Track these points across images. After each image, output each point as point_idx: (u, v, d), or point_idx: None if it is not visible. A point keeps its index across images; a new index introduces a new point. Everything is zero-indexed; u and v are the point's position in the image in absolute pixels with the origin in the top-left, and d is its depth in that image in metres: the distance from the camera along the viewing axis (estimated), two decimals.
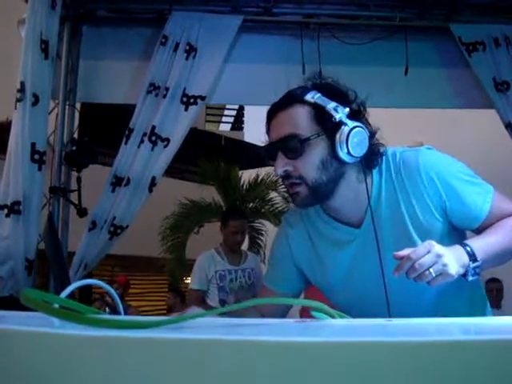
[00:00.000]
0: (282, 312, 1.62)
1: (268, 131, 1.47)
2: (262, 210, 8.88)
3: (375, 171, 1.49)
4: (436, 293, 1.47)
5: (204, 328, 0.64)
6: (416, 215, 1.44)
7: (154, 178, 3.82)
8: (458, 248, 1.32)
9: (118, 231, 3.74)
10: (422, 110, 4.83)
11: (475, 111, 4.66)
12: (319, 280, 1.62)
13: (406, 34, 4.12)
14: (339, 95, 1.43)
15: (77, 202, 3.78)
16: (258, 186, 8.93)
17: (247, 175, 9.35)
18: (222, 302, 4.08)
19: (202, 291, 4.17)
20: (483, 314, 1.63)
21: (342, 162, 1.40)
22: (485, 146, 7.17)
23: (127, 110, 3.99)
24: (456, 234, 1.49)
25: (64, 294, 0.80)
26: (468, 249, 1.32)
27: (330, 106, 1.38)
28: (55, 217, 3.90)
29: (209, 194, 9.07)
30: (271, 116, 1.47)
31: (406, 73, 4.12)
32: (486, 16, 4.16)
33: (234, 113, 16.29)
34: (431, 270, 1.22)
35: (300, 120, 1.40)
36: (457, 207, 1.44)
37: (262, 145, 1.50)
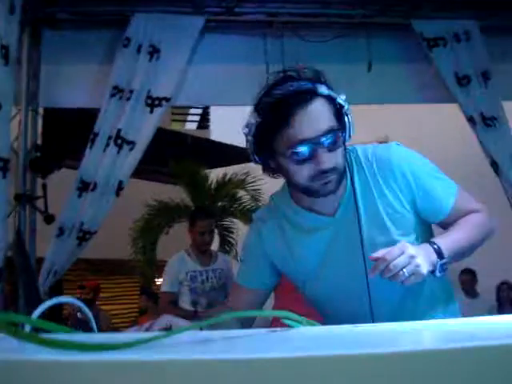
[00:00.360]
0: (255, 308, 1.64)
1: (291, 127, 1.40)
2: (231, 209, 8.89)
3: (346, 164, 1.53)
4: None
5: (174, 346, 0.64)
6: (389, 205, 1.51)
7: (121, 182, 3.80)
8: (426, 247, 1.39)
9: (87, 236, 3.70)
10: (385, 105, 4.88)
11: (437, 105, 4.73)
12: (293, 272, 1.65)
13: (368, 30, 4.16)
14: (330, 84, 1.47)
15: (43, 209, 3.73)
16: (227, 184, 8.93)
17: (215, 174, 9.35)
18: (194, 304, 4.08)
19: (173, 293, 4.16)
20: (450, 300, 1.71)
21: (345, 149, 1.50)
22: (447, 140, 7.28)
23: (93, 112, 3.95)
24: (423, 225, 1.57)
25: (36, 313, 0.79)
26: (435, 247, 1.39)
27: (340, 96, 1.45)
28: (22, 224, 3.84)
29: (178, 194, 9.04)
30: (292, 113, 1.39)
31: (369, 69, 4.16)
32: (447, 11, 4.22)
33: (199, 111, 16.23)
34: (404, 270, 1.28)
35: (328, 113, 1.43)
36: (424, 201, 1.51)
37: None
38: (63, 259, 3.68)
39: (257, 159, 1.52)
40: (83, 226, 3.69)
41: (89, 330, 1.02)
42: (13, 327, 0.55)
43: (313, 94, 1.41)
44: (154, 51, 3.94)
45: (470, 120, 4.11)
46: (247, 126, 1.49)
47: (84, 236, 3.69)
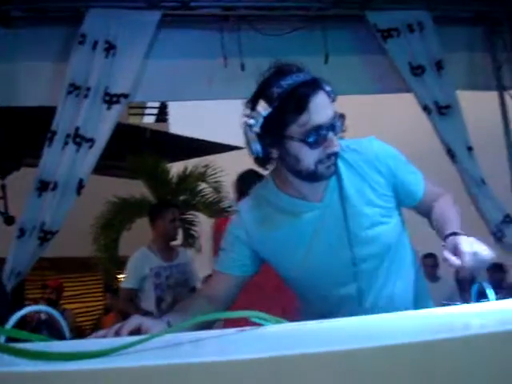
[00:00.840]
0: (234, 295, 1.71)
1: (307, 113, 1.49)
2: (193, 202, 8.87)
3: None
4: (386, 267, 1.70)
5: (148, 351, 0.65)
6: (374, 188, 1.64)
7: (81, 180, 3.76)
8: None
9: (48, 236, 3.67)
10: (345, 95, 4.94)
11: (396, 94, 4.80)
12: (277, 259, 1.72)
13: (323, 23, 4.20)
14: None
15: (3, 210, 3.67)
16: (187, 178, 8.90)
17: (176, 168, 9.30)
18: (159, 300, 4.05)
19: (134, 290, 4.11)
20: (422, 285, 1.86)
21: None
22: (405, 128, 7.40)
23: (51, 109, 3.90)
24: (399, 208, 1.75)
25: (10, 323, 0.80)
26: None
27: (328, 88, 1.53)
28: None
29: (138, 189, 8.97)
30: (309, 99, 1.48)
31: (325, 61, 4.21)
32: (400, 3, 4.30)
33: (157, 104, 16.08)
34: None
35: (330, 102, 1.53)
36: (402, 188, 1.69)
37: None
38: (25, 260, 3.64)
39: (258, 150, 1.56)
40: (44, 226, 3.65)
41: (53, 331, 1.03)
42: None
43: (319, 86, 1.52)
44: (110, 47, 3.91)
45: (425, 109, 4.21)
46: (253, 117, 1.54)
47: (45, 236, 3.66)
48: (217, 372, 0.51)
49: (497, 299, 1.30)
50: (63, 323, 0.97)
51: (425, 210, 1.74)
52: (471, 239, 1.40)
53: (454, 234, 1.48)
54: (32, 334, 0.74)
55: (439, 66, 4.23)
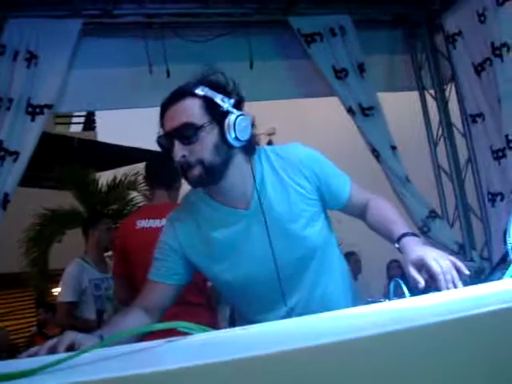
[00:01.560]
0: (169, 304, 1.73)
1: (162, 124, 1.61)
2: (124, 211, 8.75)
3: (256, 160, 1.70)
4: (315, 269, 1.75)
5: (79, 366, 0.66)
6: (300, 194, 1.69)
7: (6, 195, 3.66)
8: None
9: None
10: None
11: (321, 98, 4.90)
12: (208, 266, 1.74)
13: (247, 29, 4.24)
14: (224, 88, 1.60)
15: None
16: (117, 187, 8.78)
17: (105, 177, 9.17)
18: (100, 312, 3.97)
19: (73, 303, 4.00)
20: (351, 284, 1.94)
21: (230, 147, 1.59)
22: (332, 129, 7.54)
23: None
24: (325, 211, 1.81)
25: None
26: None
27: (218, 97, 1.56)
28: None
29: (66, 200, 8.78)
30: (164, 110, 1.60)
31: (251, 66, 4.25)
32: (321, 8, 4.39)
33: (84, 113, 15.79)
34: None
35: (193, 110, 1.56)
36: (327, 191, 1.73)
37: (158, 135, 1.63)
38: None
39: None
40: None
41: None
42: None
43: (186, 94, 1.58)
44: (32, 57, 3.81)
45: (350, 111, 4.32)
46: None
47: None
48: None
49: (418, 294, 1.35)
50: None
51: (356, 212, 1.81)
52: (434, 253, 1.46)
53: (405, 234, 1.58)
54: None
55: (361, 68, 4.35)
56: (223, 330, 1.01)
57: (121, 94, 4.21)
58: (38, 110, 3.79)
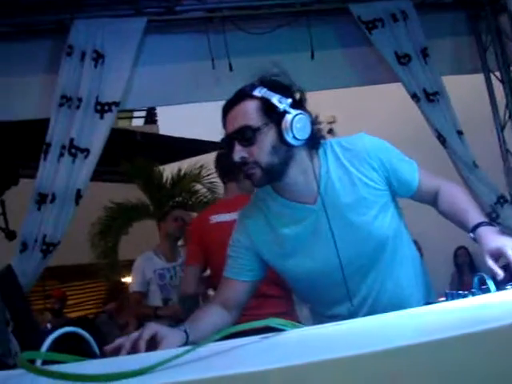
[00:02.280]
0: (245, 300, 1.78)
1: (224, 125, 1.65)
2: (190, 203, 8.89)
3: (321, 154, 1.71)
4: (386, 261, 1.75)
5: (182, 365, 0.70)
6: (367, 184, 1.68)
7: (79, 191, 3.80)
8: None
9: (51, 248, 3.70)
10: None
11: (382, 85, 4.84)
12: (279, 261, 1.77)
13: (308, 18, 4.23)
14: (283, 88, 1.62)
15: (3, 226, 3.70)
16: (182, 179, 8.91)
17: (169, 169, 9.31)
18: (166, 301, 4.11)
19: (142, 293, 4.17)
20: (423, 274, 1.89)
21: (290, 146, 1.61)
22: (392, 115, 7.43)
23: (45, 120, 3.93)
24: (395, 201, 1.80)
25: (44, 346, 0.84)
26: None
27: (275, 98, 1.58)
28: None
29: (132, 192, 8.97)
30: (226, 112, 1.64)
31: (312, 57, 4.24)
32: None
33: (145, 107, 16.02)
34: None
35: (251, 113, 1.60)
36: (397, 179, 1.72)
37: (221, 137, 1.68)
38: (30, 274, 3.67)
39: None
40: (46, 239, 3.68)
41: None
42: (35, 365, 0.60)
43: (244, 96, 1.62)
44: (99, 57, 3.93)
45: (414, 97, 4.25)
46: None
47: (48, 248, 3.69)
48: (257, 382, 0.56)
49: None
50: (93, 343, 1.01)
51: (427, 199, 1.80)
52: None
53: (480, 224, 1.57)
54: (66, 355, 0.78)
55: (424, 53, 4.28)
56: (315, 327, 1.03)
57: (184, 90, 4.28)
58: (106, 107, 3.90)
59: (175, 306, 3.94)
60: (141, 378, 0.61)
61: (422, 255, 6.49)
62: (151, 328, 1.39)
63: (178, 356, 0.67)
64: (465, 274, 6.99)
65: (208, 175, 8.63)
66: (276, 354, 0.76)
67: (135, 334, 1.37)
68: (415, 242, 5.98)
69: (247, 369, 0.57)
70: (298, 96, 1.64)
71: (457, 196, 1.75)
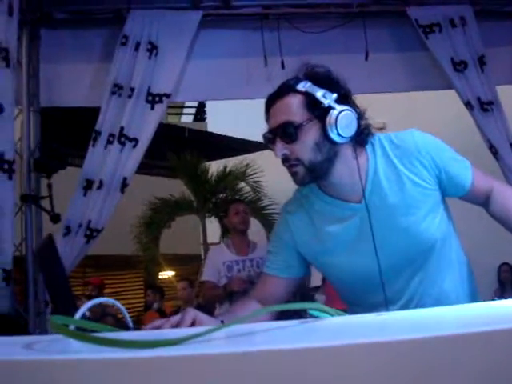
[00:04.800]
0: (283, 297, 1.73)
1: (267, 120, 1.59)
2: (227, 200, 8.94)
3: (370, 150, 1.63)
4: (433, 264, 1.67)
5: (217, 340, 0.68)
6: (416, 184, 1.60)
7: (125, 179, 3.84)
8: None
9: (94, 234, 3.75)
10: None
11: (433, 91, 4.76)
12: (320, 260, 1.72)
13: (364, 19, 4.18)
14: (328, 82, 1.54)
15: (49, 208, 3.77)
16: (227, 176, 8.96)
17: (215, 166, 9.38)
18: (231, 293, 4.12)
19: (212, 282, 4.21)
20: (469, 280, 1.80)
21: (334, 143, 1.53)
22: (443, 125, 7.31)
23: (94, 110, 3.99)
24: (445, 202, 1.71)
25: (78, 314, 0.83)
26: None
27: (319, 93, 1.50)
28: (28, 224, 3.89)
29: (176, 187, 9.07)
30: (269, 106, 1.57)
31: (366, 58, 4.19)
32: None
33: (195, 104, 16.21)
34: None
35: (293, 108, 1.52)
36: (448, 179, 1.63)
37: (263, 132, 1.61)
38: (71, 258, 3.72)
39: None
40: (90, 224, 3.73)
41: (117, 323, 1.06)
42: (69, 329, 0.59)
43: (288, 90, 1.54)
44: (153, 48, 3.97)
45: (468, 105, 4.15)
46: None
47: (91, 234, 3.74)
48: (287, 360, 0.54)
49: None
50: (127, 315, 1.00)
51: (478, 200, 1.72)
52: None
53: None
54: (99, 325, 0.78)
55: (481, 61, 4.17)
56: (358, 315, 1.00)
57: (235, 85, 4.28)
58: (157, 98, 3.94)
59: (241, 277, 4.01)
60: (175, 348, 0.60)
61: None
62: (190, 313, 1.37)
63: (212, 330, 0.66)
64: (507, 291, 6.82)
65: (253, 174, 8.66)
66: (313, 336, 0.74)
67: (175, 318, 1.36)
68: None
69: (278, 346, 0.55)
70: (341, 92, 1.55)
71: (510, 199, 1.67)
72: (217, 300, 4.20)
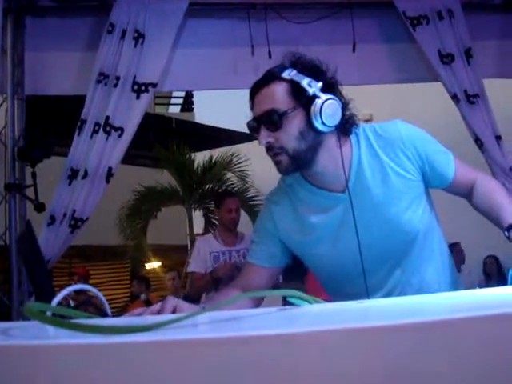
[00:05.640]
0: (266, 286, 1.73)
1: (252, 107, 1.59)
2: (220, 191, 8.94)
3: (354, 141, 1.64)
4: (415, 255, 1.69)
5: (192, 326, 0.68)
6: (400, 175, 1.61)
7: (110, 169, 3.81)
8: None
9: (79, 224, 3.73)
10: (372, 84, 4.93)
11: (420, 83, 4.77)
12: (303, 249, 1.72)
13: (351, 10, 4.17)
14: (313, 71, 1.55)
15: (33, 197, 3.74)
16: (213, 167, 8.96)
17: (201, 157, 9.37)
18: (217, 282, 4.13)
19: (199, 273, 4.21)
20: (451, 271, 1.82)
21: (318, 132, 1.54)
22: (430, 117, 7.33)
23: (79, 98, 3.96)
24: (428, 193, 1.73)
25: (55, 301, 0.83)
26: None
27: (305, 81, 1.51)
28: (12, 213, 3.86)
29: (162, 177, 9.04)
30: (254, 93, 1.58)
31: (353, 50, 4.18)
32: None
33: (183, 94, 16.17)
34: None
35: (278, 96, 1.53)
36: (432, 170, 1.65)
37: (247, 120, 1.61)
38: (56, 247, 3.70)
39: None
40: (75, 214, 3.71)
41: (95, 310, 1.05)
42: (46, 315, 0.59)
43: (273, 78, 1.54)
44: (139, 36, 3.93)
45: (454, 97, 4.16)
46: None
47: (76, 223, 3.72)
48: (267, 345, 0.53)
49: None
50: (105, 302, 1.00)
51: (461, 192, 1.73)
52: None
53: None
54: (76, 312, 0.77)
55: (468, 54, 4.18)
56: (337, 303, 1.00)
57: (222, 75, 4.26)
58: (143, 87, 3.90)
59: (229, 263, 4.05)
60: (151, 333, 0.59)
61: (463, 258, 6.41)
62: (171, 301, 1.37)
63: (187, 316, 0.65)
64: (493, 283, 6.88)
65: (239, 164, 8.65)
66: (293, 322, 0.74)
67: (156, 306, 1.35)
68: (458, 244, 5.88)
69: (257, 332, 0.55)
70: (327, 81, 1.55)
71: (494, 190, 1.68)
72: (204, 290, 4.20)
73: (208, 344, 0.52)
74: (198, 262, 4.23)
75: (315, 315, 0.81)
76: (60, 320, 0.59)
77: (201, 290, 4.29)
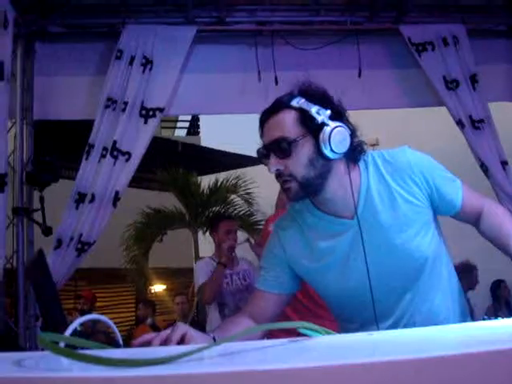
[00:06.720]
0: (276, 313, 1.72)
1: (261, 135, 1.60)
2: (225, 214, 8.95)
3: (363, 167, 1.64)
4: (423, 282, 1.67)
5: (206, 359, 0.68)
6: (408, 200, 1.61)
7: (117, 193, 3.83)
8: None
9: (86, 247, 3.74)
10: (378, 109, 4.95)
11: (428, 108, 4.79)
12: (312, 275, 1.71)
13: (357, 37, 4.22)
14: (321, 99, 1.56)
15: (41, 221, 3.76)
16: (219, 190, 8.97)
17: (207, 180, 9.39)
18: (222, 306, 4.11)
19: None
20: (460, 297, 1.81)
21: (327, 159, 1.55)
22: (436, 141, 7.35)
23: (87, 123, 4.00)
24: (436, 218, 1.72)
25: (68, 331, 0.83)
26: None
27: (313, 109, 1.52)
28: (20, 237, 3.88)
29: (169, 201, 9.06)
30: (263, 121, 1.59)
31: (359, 75, 4.22)
32: (434, 16, 4.30)
33: (189, 118, 16.25)
34: None
35: (287, 124, 1.54)
36: (440, 197, 1.64)
37: (258, 147, 1.62)
38: (62, 270, 3.71)
39: None
40: (82, 238, 3.72)
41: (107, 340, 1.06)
42: (58, 346, 0.59)
43: (282, 106, 1.56)
44: (147, 62, 3.98)
45: (459, 123, 4.18)
46: None
47: (83, 247, 3.73)
48: (279, 380, 0.54)
49: None
50: (117, 331, 1.00)
51: (469, 219, 1.73)
52: None
53: None
54: (89, 342, 0.78)
55: (474, 79, 4.21)
56: (347, 334, 1.00)
57: (229, 100, 4.30)
58: (150, 112, 3.94)
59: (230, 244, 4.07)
60: (164, 366, 0.60)
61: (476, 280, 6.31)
62: (181, 328, 1.37)
63: (202, 349, 0.66)
64: (501, 308, 6.83)
65: (244, 186, 8.67)
66: (303, 356, 0.74)
67: (165, 332, 1.35)
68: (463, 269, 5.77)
69: (268, 367, 0.55)
70: (335, 108, 1.56)
71: (499, 218, 1.67)
72: (220, 281, 4.10)
73: (223, 379, 0.53)
74: (206, 277, 4.12)
75: (326, 347, 0.81)
76: (74, 352, 0.59)
77: (219, 283, 4.17)
